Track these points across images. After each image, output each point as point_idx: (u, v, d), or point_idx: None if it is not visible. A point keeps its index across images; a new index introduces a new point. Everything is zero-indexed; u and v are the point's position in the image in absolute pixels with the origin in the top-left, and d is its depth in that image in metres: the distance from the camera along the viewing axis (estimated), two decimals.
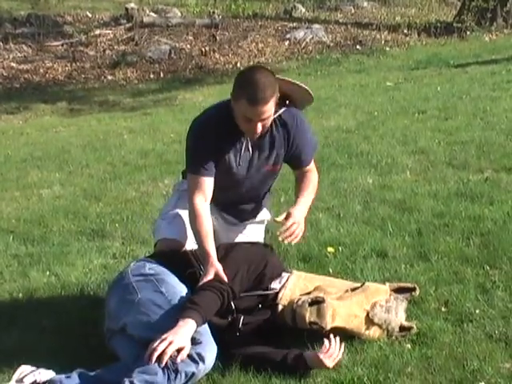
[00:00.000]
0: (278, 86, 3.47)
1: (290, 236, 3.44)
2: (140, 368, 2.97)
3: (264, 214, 3.96)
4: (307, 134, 3.70)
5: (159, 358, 2.94)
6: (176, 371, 2.97)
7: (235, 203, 3.76)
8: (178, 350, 2.97)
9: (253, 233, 3.88)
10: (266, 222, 4.03)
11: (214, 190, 3.53)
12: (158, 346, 2.96)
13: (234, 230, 3.84)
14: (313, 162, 3.78)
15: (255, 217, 3.90)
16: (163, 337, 2.98)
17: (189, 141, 3.59)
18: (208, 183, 3.51)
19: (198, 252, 3.44)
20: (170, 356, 2.95)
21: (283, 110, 3.58)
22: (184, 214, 3.63)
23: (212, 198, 3.55)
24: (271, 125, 3.54)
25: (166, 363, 2.94)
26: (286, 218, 3.44)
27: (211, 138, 3.50)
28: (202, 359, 3.03)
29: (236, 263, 3.34)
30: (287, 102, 3.61)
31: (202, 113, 3.68)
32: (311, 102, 3.77)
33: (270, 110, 3.37)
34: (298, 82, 3.64)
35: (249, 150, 3.57)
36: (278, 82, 3.51)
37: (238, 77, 3.49)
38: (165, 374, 2.95)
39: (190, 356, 3.01)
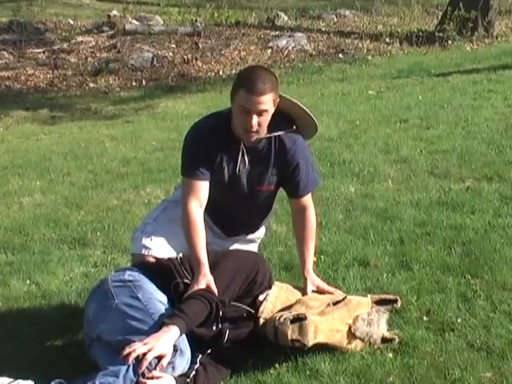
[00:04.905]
0: (285, 105, 3.47)
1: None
2: (104, 371, 2.95)
3: (259, 232, 3.92)
4: (306, 166, 3.58)
5: (137, 361, 2.91)
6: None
7: (226, 217, 3.70)
8: (159, 358, 2.95)
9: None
10: (259, 241, 3.99)
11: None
12: (138, 347, 2.93)
13: (221, 244, 3.75)
14: (311, 198, 3.68)
15: (247, 234, 3.84)
16: (145, 340, 2.96)
17: (186, 144, 3.55)
18: (203, 188, 3.45)
19: (188, 259, 3.40)
20: (150, 362, 2.92)
21: (287, 131, 3.51)
22: (164, 228, 3.59)
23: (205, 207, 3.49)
24: (269, 141, 3.49)
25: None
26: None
27: (208, 144, 3.46)
28: (174, 367, 3.03)
29: (227, 273, 3.31)
30: (294, 127, 3.55)
31: (201, 118, 3.65)
32: (315, 131, 3.69)
33: (267, 103, 3.31)
34: (304, 107, 3.55)
35: (244, 161, 3.50)
36: (285, 101, 3.48)
37: (240, 72, 3.56)
38: (126, 378, 2.91)
39: None
